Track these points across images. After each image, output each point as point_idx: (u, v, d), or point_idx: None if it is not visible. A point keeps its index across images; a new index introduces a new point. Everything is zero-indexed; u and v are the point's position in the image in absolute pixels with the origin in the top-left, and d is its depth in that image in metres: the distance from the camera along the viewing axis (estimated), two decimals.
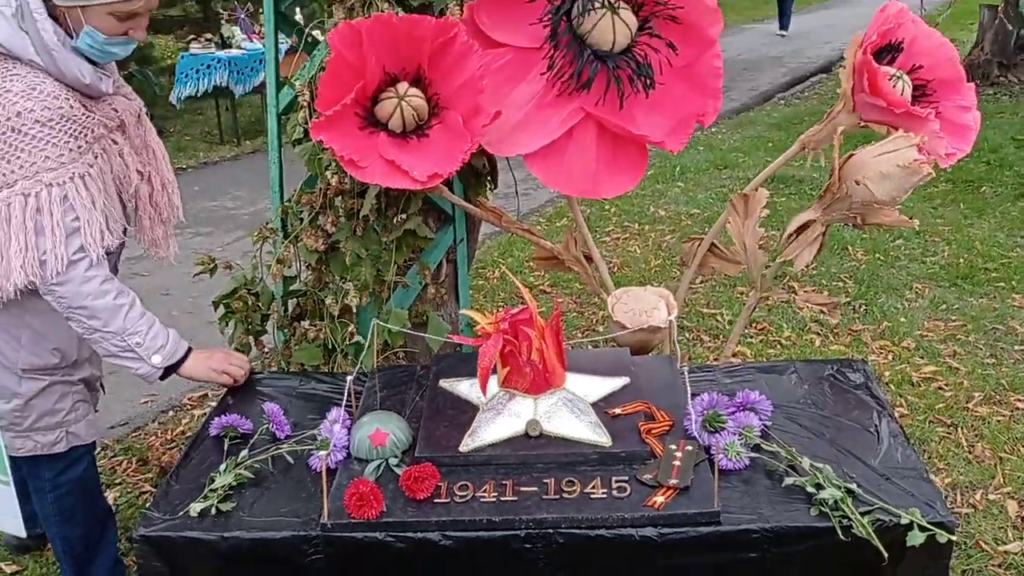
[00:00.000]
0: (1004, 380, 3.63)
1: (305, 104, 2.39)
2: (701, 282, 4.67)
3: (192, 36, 9.44)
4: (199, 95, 8.49)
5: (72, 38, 1.85)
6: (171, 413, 3.77)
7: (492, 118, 2.03)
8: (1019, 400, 3.49)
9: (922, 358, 3.87)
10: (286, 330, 2.67)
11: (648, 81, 2.17)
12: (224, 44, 8.95)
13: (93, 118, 1.90)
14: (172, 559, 1.62)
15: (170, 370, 2.02)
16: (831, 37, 14.10)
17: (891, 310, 4.35)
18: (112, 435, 3.55)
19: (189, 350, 2.06)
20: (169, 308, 4.76)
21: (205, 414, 3.50)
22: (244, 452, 1.79)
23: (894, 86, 2.15)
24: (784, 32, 14.81)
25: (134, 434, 3.61)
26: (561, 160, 2.24)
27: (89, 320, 1.91)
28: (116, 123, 1.98)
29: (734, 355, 3.66)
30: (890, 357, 3.89)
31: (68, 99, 1.84)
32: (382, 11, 2.14)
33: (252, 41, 9.00)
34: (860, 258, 5.03)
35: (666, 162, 7.04)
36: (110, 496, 2.98)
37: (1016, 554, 2.65)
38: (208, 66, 8.38)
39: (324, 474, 1.62)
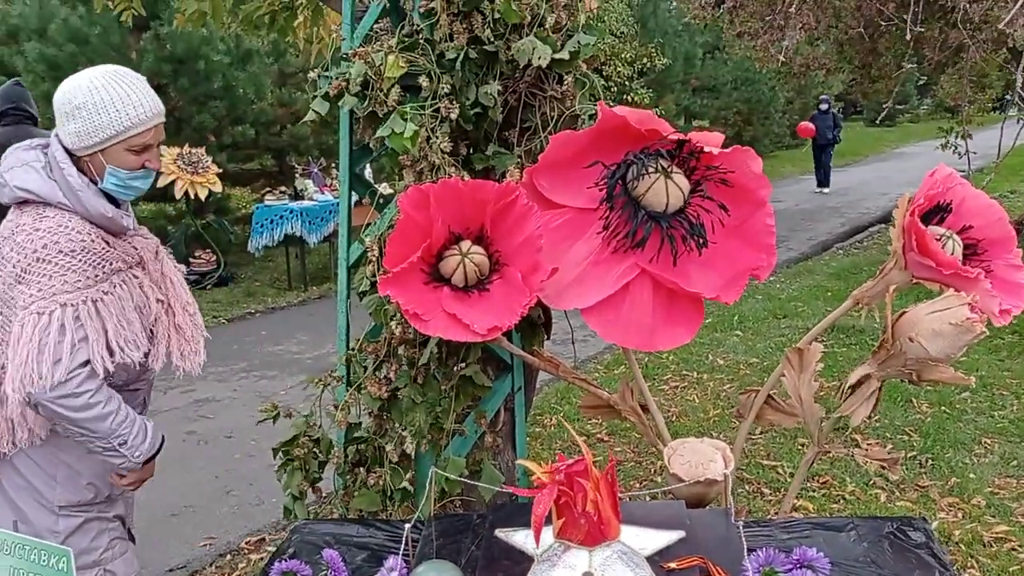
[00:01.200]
0: None
1: (374, 259, 2.52)
2: (761, 433, 4.62)
3: (267, 188, 9.99)
4: (273, 244, 8.91)
5: (96, 183, 2.09)
6: (228, 557, 3.80)
7: (550, 274, 2.13)
8: None
9: (993, 517, 3.73)
10: (346, 476, 2.72)
11: (701, 240, 2.26)
12: (297, 196, 9.43)
13: (113, 252, 2.11)
14: None
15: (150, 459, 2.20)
16: (887, 188, 14.26)
17: (959, 465, 4.23)
18: None
19: (163, 439, 2.24)
20: (232, 451, 4.86)
21: (263, 558, 3.53)
22: None
23: (943, 246, 2.20)
24: (817, 190, 14.84)
25: None
26: (618, 314, 2.30)
27: (75, 427, 2.03)
28: (136, 259, 2.19)
29: (795, 509, 3.58)
30: (960, 515, 3.76)
31: (91, 235, 2.05)
32: (449, 175, 2.30)
33: (323, 193, 9.49)
34: (925, 411, 4.94)
35: (724, 311, 7.08)
36: None
37: None
38: (281, 216, 8.83)
39: None
